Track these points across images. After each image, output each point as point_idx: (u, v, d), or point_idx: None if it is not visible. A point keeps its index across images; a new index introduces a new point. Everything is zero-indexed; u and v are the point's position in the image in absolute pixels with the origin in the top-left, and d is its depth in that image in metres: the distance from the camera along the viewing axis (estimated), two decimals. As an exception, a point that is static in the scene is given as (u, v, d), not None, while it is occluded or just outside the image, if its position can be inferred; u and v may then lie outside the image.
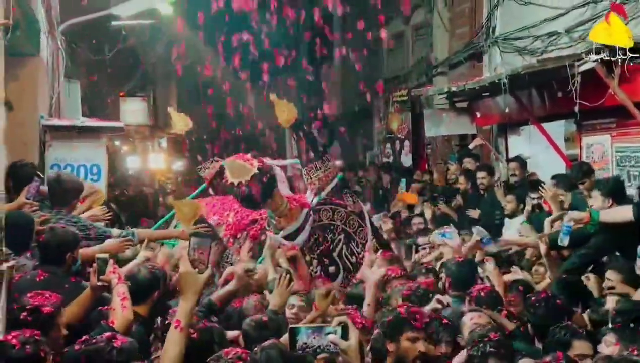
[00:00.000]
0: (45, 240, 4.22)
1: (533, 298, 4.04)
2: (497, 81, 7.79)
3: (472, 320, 3.66)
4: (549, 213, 5.99)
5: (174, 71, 18.83)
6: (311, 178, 5.63)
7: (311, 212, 5.51)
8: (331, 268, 5.51)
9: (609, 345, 3.41)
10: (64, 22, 9.49)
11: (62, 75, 9.30)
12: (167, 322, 3.38)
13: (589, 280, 4.90)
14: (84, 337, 2.94)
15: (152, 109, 19.42)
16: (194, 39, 14.66)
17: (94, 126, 8.53)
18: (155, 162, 19.25)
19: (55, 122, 8.33)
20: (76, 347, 2.87)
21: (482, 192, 8.14)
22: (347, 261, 5.60)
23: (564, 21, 7.97)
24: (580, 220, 5.03)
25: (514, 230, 6.85)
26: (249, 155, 5.25)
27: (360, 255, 5.59)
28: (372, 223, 6.04)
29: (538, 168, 8.31)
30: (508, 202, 7.38)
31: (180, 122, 6.49)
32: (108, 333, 3.01)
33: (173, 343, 2.78)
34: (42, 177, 5.77)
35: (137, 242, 5.20)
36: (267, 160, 5.63)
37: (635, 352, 3.04)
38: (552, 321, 3.68)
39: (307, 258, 5.44)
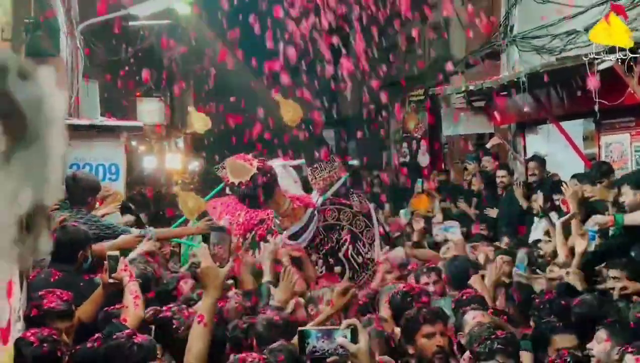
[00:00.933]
0: (57, 238, 4.17)
1: (537, 300, 4.00)
2: (515, 80, 7.72)
3: (475, 319, 3.64)
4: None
5: (191, 71, 18.87)
6: (315, 178, 5.60)
7: (316, 212, 5.50)
8: (337, 269, 5.47)
9: (600, 342, 3.39)
10: (82, 21, 9.55)
11: (81, 75, 9.37)
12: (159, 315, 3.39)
13: (568, 275, 4.82)
14: (96, 335, 2.94)
15: (169, 108, 19.45)
16: (212, 39, 14.66)
17: (113, 125, 8.60)
18: (172, 162, 19.29)
19: (74, 121, 8.40)
20: (89, 345, 2.88)
21: (500, 191, 8.08)
22: (353, 261, 5.56)
23: (583, 19, 7.86)
24: (605, 224, 4.94)
25: (541, 229, 6.79)
26: (249, 155, 5.22)
27: (367, 256, 5.57)
28: (379, 223, 5.99)
29: (556, 167, 8.23)
30: (534, 201, 7.28)
31: (200, 122, 6.45)
32: (128, 330, 3.03)
33: (197, 339, 2.78)
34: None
35: (156, 239, 5.20)
36: (279, 160, 5.62)
37: (629, 349, 3.02)
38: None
39: (313, 258, 5.41)
